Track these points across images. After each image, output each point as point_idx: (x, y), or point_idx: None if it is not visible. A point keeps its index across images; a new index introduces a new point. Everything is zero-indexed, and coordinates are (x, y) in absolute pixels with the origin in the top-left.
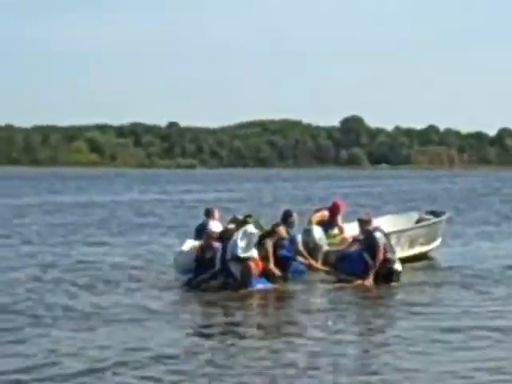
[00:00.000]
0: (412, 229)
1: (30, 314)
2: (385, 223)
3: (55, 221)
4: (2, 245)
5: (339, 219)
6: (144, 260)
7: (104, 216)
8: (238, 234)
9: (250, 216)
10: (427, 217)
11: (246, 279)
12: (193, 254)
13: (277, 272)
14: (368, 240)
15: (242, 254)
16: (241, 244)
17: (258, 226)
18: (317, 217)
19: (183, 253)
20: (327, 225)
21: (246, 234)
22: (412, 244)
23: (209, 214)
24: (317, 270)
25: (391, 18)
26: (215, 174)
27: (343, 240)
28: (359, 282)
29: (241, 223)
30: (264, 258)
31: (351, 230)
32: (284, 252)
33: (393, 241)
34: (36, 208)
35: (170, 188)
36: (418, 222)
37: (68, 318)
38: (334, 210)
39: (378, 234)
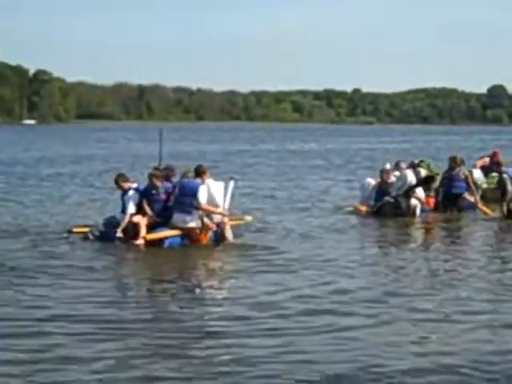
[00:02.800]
0: None
1: None
2: None
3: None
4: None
5: None
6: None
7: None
8: (399, 176)
9: (422, 161)
10: None
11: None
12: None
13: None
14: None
15: (395, 192)
16: (396, 185)
17: (428, 168)
18: (480, 162)
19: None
20: (488, 169)
21: (401, 177)
22: None
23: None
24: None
25: None
26: (388, 128)
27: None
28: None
29: (415, 166)
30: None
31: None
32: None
33: None
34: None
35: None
36: None
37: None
38: (493, 158)
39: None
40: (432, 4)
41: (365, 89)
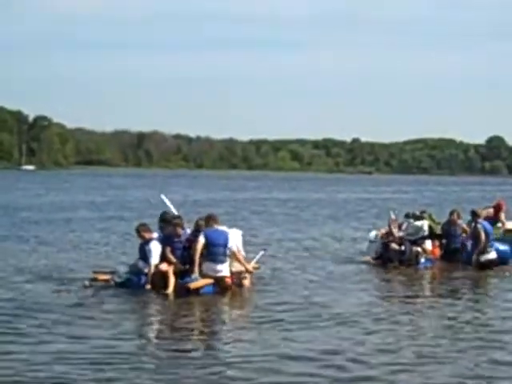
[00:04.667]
0: None
1: None
2: None
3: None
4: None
5: (502, 215)
6: None
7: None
8: (408, 224)
9: (424, 211)
10: None
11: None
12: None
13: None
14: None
15: (409, 237)
16: (407, 231)
17: (430, 218)
18: (484, 213)
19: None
20: (492, 220)
21: (413, 225)
22: None
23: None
24: None
25: None
26: (387, 179)
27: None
28: None
29: (417, 217)
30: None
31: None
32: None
33: None
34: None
35: (360, 189)
36: None
37: None
38: (497, 208)
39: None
40: (429, 56)
41: (364, 138)
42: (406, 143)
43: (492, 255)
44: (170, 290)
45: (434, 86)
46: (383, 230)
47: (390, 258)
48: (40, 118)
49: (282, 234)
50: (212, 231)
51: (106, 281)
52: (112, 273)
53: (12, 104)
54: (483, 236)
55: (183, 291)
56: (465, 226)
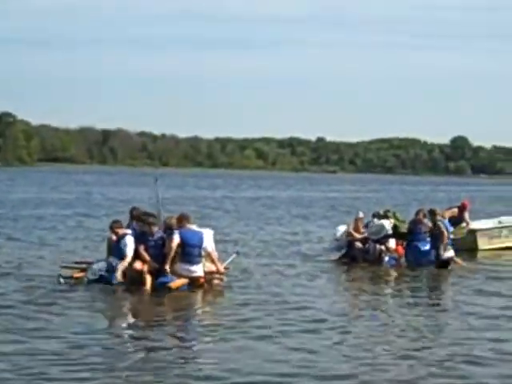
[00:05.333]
0: None
1: None
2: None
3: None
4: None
5: (466, 215)
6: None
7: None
8: (373, 223)
9: (388, 211)
10: None
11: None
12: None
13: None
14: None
15: (372, 237)
16: (370, 230)
17: (394, 217)
18: (448, 213)
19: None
20: (457, 219)
21: (375, 224)
22: None
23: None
24: None
25: None
26: (352, 177)
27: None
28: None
29: (381, 216)
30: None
31: (477, 225)
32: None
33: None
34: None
35: (334, 188)
36: None
37: None
38: (462, 208)
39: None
40: (395, 56)
41: (329, 138)
42: (370, 143)
43: (451, 253)
44: (148, 286)
45: (398, 86)
46: (350, 228)
47: (355, 256)
48: (4, 115)
49: (251, 233)
50: (186, 231)
51: (80, 278)
52: (83, 270)
53: None
54: (446, 233)
55: (162, 290)
56: (430, 225)
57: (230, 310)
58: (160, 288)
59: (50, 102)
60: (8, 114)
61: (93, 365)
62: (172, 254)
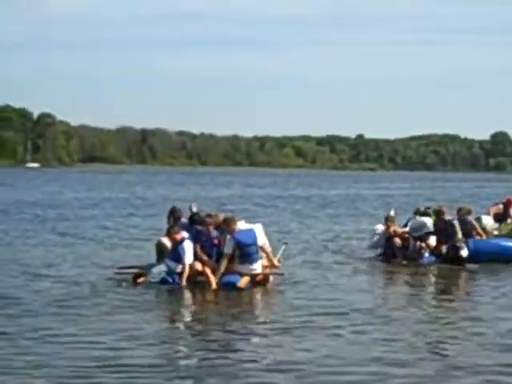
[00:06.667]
0: None
1: None
2: None
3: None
4: None
5: (511, 212)
6: None
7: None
8: (415, 220)
9: (429, 208)
10: None
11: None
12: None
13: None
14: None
15: (413, 234)
16: (412, 226)
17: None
18: (494, 209)
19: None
20: (502, 216)
21: (417, 221)
22: None
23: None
24: None
25: None
26: (392, 175)
27: None
28: None
29: (422, 213)
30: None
31: None
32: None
33: None
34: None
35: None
36: None
37: None
38: (507, 204)
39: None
40: (433, 51)
41: (368, 135)
42: (410, 139)
43: (465, 252)
44: (214, 286)
45: (438, 82)
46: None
47: (394, 253)
48: (44, 115)
49: (299, 230)
50: (239, 233)
51: (142, 282)
52: (139, 267)
53: (16, 101)
54: (459, 233)
55: (228, 289)
56: (474, 222)
57: (290, 311)
58: (225, 288)
59: (87, 102)
60: (47, 115)
61: (151, 367)
62: (222, 266)
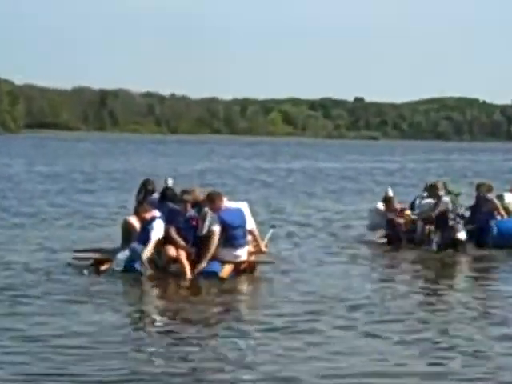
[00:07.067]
0: None
1: None
2: None
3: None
4: None
5: None
6: None
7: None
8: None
9: (438, 182)
10: None
11: None
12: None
13: None
14: None
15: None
16: (421, 207)
17: (445, 188)
18: None
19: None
20: None
21: (424, 202)
22: None
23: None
24: None
25: None
26: (398, 144)
27: None
28: None
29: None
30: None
31: None
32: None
33: None
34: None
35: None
36: None
37: None
38: None
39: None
40: (448, 3)
41: (368, 98)
42: (418, 103)
43: (462, 235)
44: (188, 276)
45: (452, 38)
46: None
47: (398, 236)
48: None
49: (290, 209)
50: (225, 212)
51: (105, 270)
52: (101, 261)
53: None
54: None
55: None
56: (496, 201)
57: (279, 303)
58: (205, 278)
59: (35, 59)
60: None
61: (117, 367)
62: (214, 248)
